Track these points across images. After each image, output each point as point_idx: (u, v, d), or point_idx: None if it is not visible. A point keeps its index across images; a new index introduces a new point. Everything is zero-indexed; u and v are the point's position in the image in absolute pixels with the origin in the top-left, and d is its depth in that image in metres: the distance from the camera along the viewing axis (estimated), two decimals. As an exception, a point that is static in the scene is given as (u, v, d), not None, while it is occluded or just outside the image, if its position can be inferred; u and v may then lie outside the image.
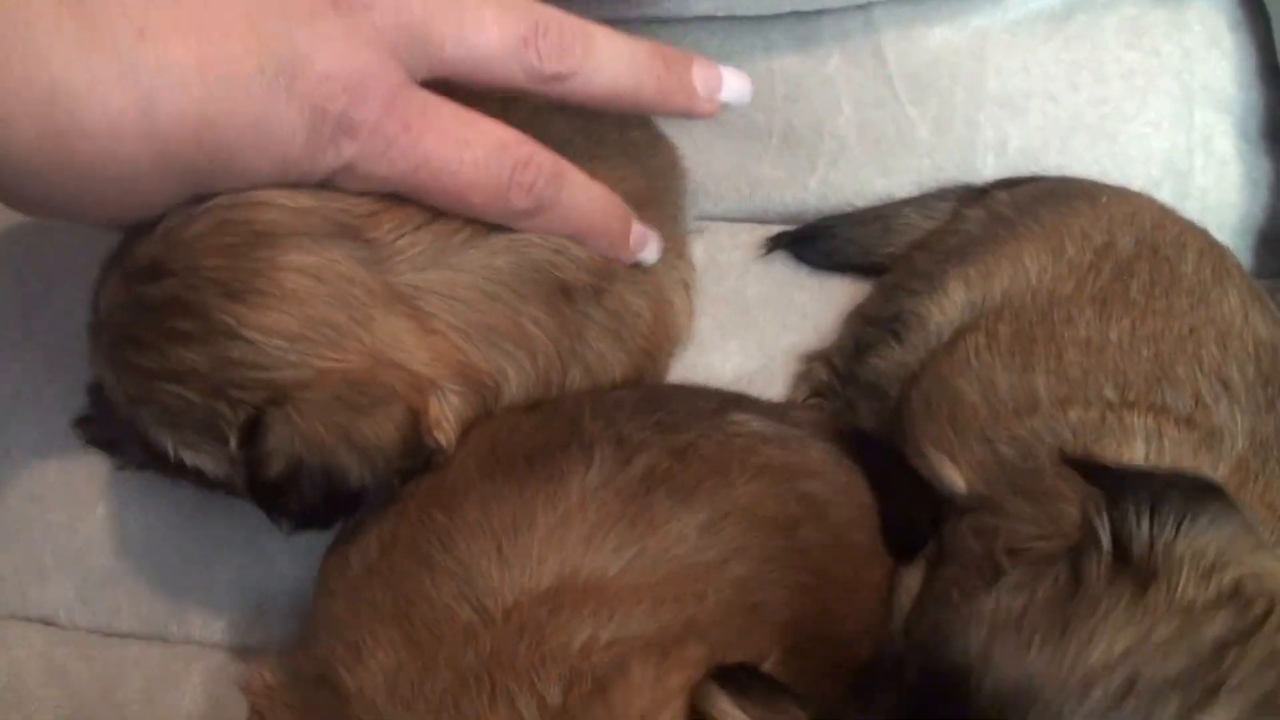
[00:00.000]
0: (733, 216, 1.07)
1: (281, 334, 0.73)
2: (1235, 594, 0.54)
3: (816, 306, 1.02)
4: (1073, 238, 0.85)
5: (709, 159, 1.07)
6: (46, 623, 0.97)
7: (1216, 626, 0.52)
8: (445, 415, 0.77)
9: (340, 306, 0.74)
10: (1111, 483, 0.58)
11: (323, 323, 0.74)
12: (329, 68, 0.73)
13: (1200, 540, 0.55)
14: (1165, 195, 0.96)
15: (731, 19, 1.05)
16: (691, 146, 1.07)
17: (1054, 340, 0.79)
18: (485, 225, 0.79)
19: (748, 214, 1.07)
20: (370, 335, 0.74)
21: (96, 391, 0.84)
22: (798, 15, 1.04)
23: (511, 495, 0.73)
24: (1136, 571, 0.55)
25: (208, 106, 0.71)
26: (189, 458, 0.77)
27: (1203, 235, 0.88)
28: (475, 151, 0.78)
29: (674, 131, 1.07)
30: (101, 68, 0.69)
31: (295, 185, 0.76)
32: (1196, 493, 0.57)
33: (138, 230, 0.76)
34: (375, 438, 0.73)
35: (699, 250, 1.06)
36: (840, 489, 0.82)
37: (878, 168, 1.03)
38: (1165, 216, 0.90)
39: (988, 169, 1.01)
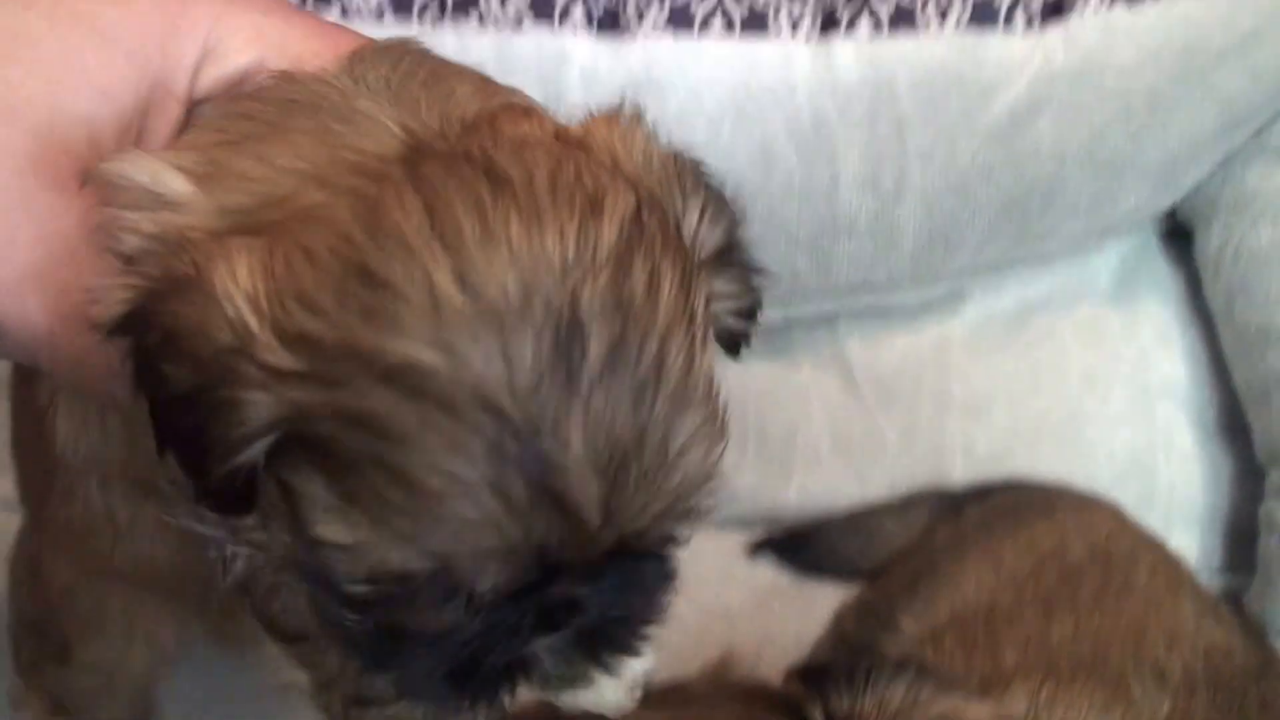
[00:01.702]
0: (712, 524, 1.08)
1: None
2: None
3: (798, 617, 1.00)
4: (1016, 548, 0.87)
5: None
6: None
7: None
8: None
9: None
10: (817, 674, 0.71)
11: None
12: None
13: (885, 693, 0.66)
14: (1131, 492, 0.97)
15: (704, 333, 1.09)
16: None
17: (993, 644, 0.79)
18: None
19: (725, 521, 1.08)
20: None
21: None
22: (767, 328, 1.09)
23: None
24: None
25: None
26: None
27: (1159, 549, 0.89)
28: None
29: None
30: None
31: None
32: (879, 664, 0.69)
33: None
34: None
35: (682, 557, 1.07)
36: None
37: (851, 474, 1.05)
38: (1122, 528, 0.90)
39: (958, 470, 1.02)
